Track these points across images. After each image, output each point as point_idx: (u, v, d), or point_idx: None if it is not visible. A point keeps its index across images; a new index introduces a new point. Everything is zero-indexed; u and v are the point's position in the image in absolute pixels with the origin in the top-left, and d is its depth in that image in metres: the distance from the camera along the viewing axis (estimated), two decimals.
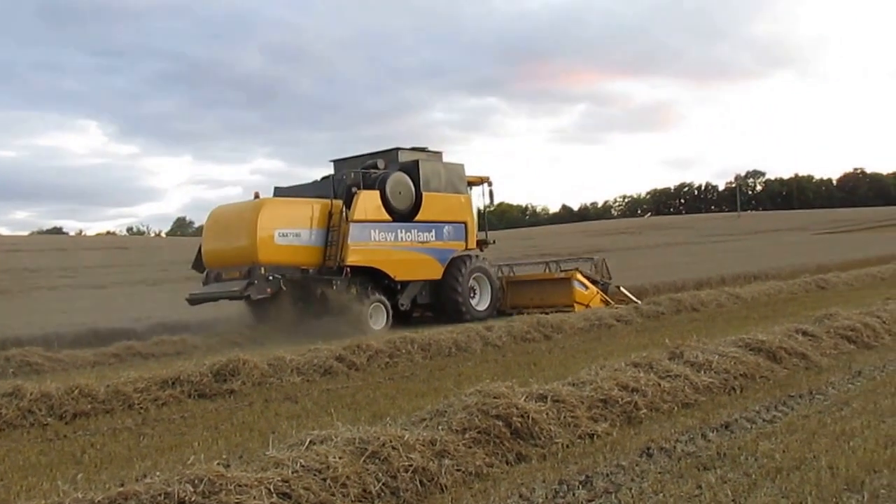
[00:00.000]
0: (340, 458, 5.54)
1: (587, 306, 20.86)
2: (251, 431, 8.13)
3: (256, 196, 19.55)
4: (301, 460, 5.44)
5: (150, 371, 11.25)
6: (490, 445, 6.37)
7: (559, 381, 8.09)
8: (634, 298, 22.21)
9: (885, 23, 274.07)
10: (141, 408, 9.75)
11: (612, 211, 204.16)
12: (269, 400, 10.12)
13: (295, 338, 15.95)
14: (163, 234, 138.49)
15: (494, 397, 6.85)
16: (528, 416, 6.73)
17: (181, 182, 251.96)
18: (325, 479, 5.33)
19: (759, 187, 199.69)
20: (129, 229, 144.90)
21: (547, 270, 23.70)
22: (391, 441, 5.85)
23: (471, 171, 22.82)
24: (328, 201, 19.31)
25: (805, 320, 12.30)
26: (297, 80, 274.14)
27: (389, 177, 20.20)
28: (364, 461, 5.61)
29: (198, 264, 19.93)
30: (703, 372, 8.91)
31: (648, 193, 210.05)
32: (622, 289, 22.99)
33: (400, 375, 11.67)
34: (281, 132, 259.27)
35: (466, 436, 6.35)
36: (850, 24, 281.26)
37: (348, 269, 18.94)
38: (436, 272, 20.96)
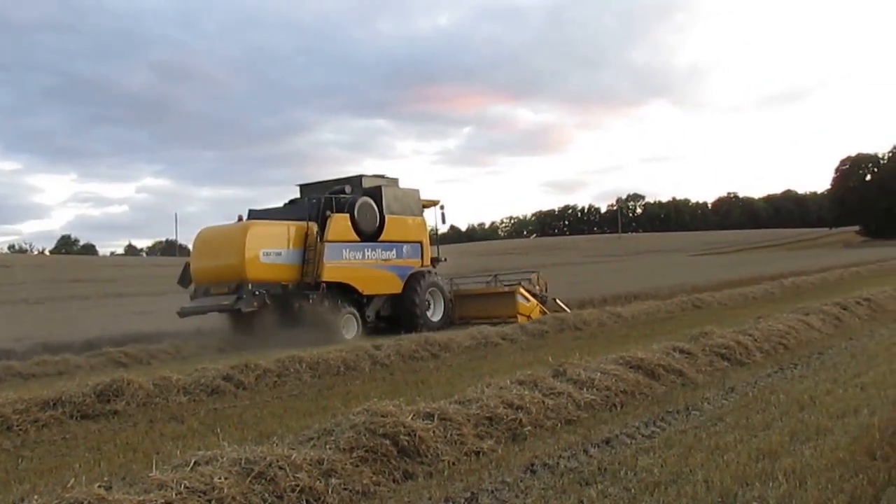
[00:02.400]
0: (226, 478, 5.50)
1: (529, 317, 22.48)
2: (135, 452, 7.97)
3: (240, 219, 21.91)
4: (185, 482, 5.38)
5: (31, 392, 10.94)
6: (377, 464, 6.41)
7: (446, 399, 8.18)
8: (567, 308, 24.35)
9: (756, 54, 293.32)
10: (20, 429, 9.45)
11: (499, 231, 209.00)
12: (153, 420, 9.94)
13: (275, 346, 17.04)
14: (47, 252, 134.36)
15: (382, 416, 6.90)
16: (415, 435, 6.79)
17: (66, 199, 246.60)
18: (209, 501, 5.28)
19: (639, 210, 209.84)
20: (12, 247, 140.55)
21: (493, 284, 25.59)
22: (278, 461, 5.83)
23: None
24: (304, 223, 21.20)
25: (682, 338, 12.56)
26: (186, 99, 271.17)
27: (357, 201, 22.12)
28: (250, 482, 5.58)
29: (183, 280, 21.73)
30: (585, 389, 9.12)
31: (534, 215, 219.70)
32: (558, 301, 25.00)
33: (288, 394, 11.60)
34: (169, 150, 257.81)
35: (354, 455, 6.38)
36: (723, 55, 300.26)
37: (324, 285, 20.83)
38: (397, 287, 22.98)
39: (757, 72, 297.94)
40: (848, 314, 17.51)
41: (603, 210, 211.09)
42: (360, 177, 23.56)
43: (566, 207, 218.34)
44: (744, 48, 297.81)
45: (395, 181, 24.25)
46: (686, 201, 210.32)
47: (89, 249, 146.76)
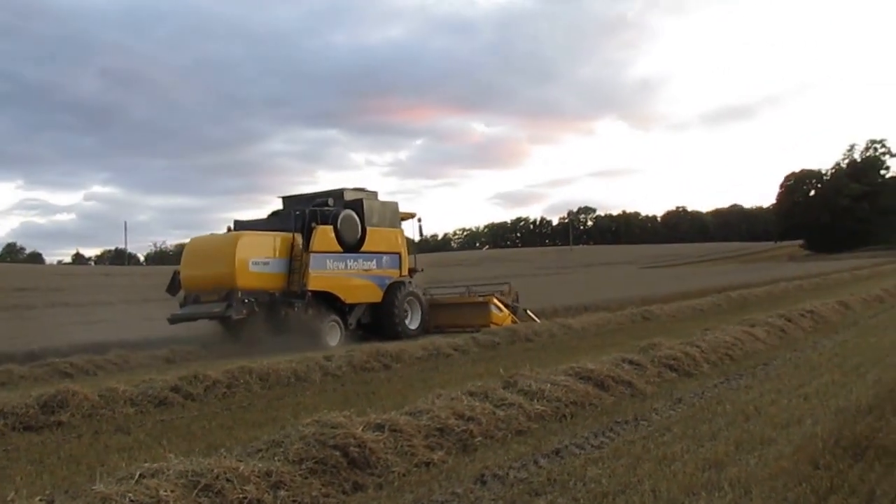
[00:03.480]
0: (172, 491, 5.44)
1: (501, 326, 23.16)
2: (78, 465, 7.84)
3: (230, 230, 23.09)
4: (130, 494, 5.30)
5: None
6: (327, 476, 6.37)
7: (397, 410, 8.16)
8: (537, 319, 25.08)
9: (704, 71, 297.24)
10: None
11: (452, 243, 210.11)
12: (99, 432, 9.78)
13: (263, 352, 17.56)
14: None
15: (332, 427, 6.86)
16: (366, 446, 6.77)
17: (11, 207, 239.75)
18: None
19: (590, 223, 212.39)
20: None
21: (467, 294, 26.68)
22: (225, 473, 5.77)
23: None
24: (290, 234, 22.08)
25: (631, 350, 12.63)
26: (136, 106, 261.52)
27: (340, 213, 22.97)
28: (197, 494, 5.52)
29: (172, 288, 22.53)
30: (535, 400, 9.15)
31: (486, 227, 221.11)
32: (528, 311, 25.91)
33: (237, 406, 11.48)
34: (118, 158, 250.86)
35: (303, 466, 6.34)
36: (672, 71, 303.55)
37: (309, 293, 21.67)
38: (377, 296, 23.86)
39: (705, 88, 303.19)
40: (792, 326, 17.79)
41: (555, 223, 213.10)
42: (341, 190, 24.34)
43: (518, 220, 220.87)
44: (692, 64, 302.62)
45: (374, 194, 25.11)
46: (636, 215, 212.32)
47: (36, 258, 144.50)
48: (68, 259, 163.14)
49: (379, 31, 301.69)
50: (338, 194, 24.16)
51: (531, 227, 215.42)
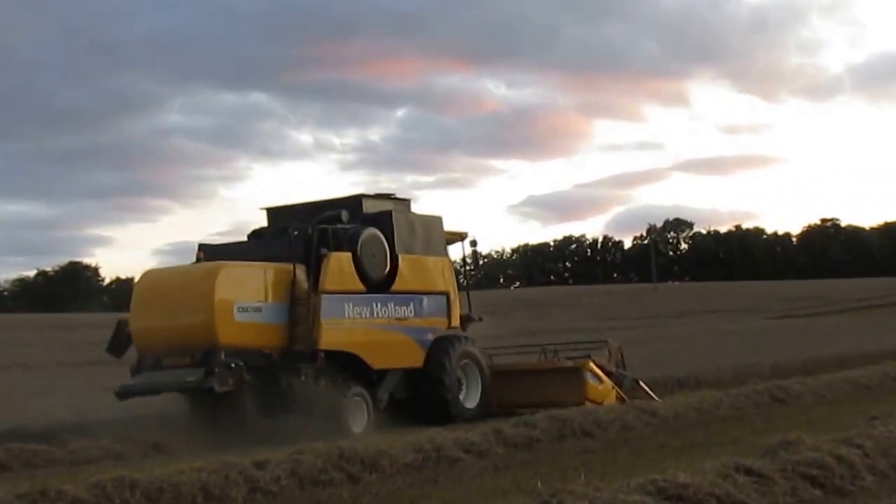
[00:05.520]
0: None
1: (600, 404, 17.94)
2: None
3: (200, 258, 17.06)
4: None
5: None
6: None
7: None
8: (654, 396, 19.40)
9: None
10: None
11: (460, 278, 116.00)
12: None
13: (254, 442, 13.90)
14: None
15: None
16: None
17: None
18: None
19: (683, 245, 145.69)
20: None
21: (543, 357, 20.44)
22: None
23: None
24: (288, 266, 16.53)
25: (751, 452, 9.41)
26: None
27: (362, 234, 17.31)
28: None
29: (117, 345, 17.45)
30: None
31: (515, 252, 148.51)
32: (641, 383, 19.93)
33: None
34: None
35: None
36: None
37: (322, 355, 16.32)
38: (417, 358, 18.00)
39: (868, 27, 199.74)
40: None
41: (626, 245, 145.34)
42: (358, 197, 18.66)
43: (567, 241, 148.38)
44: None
45: (406, 204, 19.47)
46: (758, 232, 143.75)
47: None
48: None
49: None
50: (353, 204, 18.45)
51: (587, 251, 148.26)
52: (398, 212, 18.43)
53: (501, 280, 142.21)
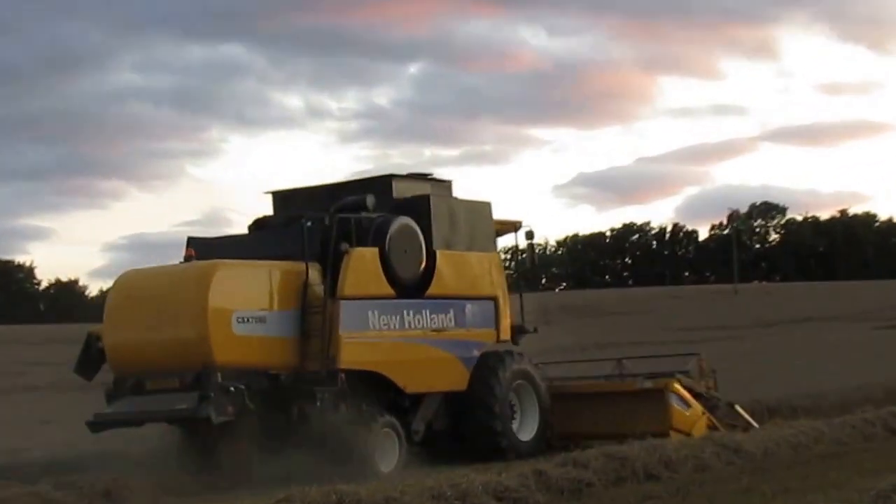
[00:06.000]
0: None
1: (688, 434, 15.81)
2: None
3: (191, 257, 14.51)
4: None
5: None
6: None
7: None
8: (753, 421, 17.15)
9: None
10: None
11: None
12: None
13: (257, 486, 12.34)
14: None
15: None
16: None
17: None
18: None
19: (773, 235, 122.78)
20: None
21: (615, 376, 17.93)
22: None
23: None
24: (300, 265, 14.28)
25: (858, 498, 8.28)
26: None
27: (392, 225, 15.00)
28: None
29: (87, 365, 15.09)
30: None
31: (562, 244, 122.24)
32: (738, 408, 17.60)
33: None
34: None
35: None
36: None
37: (342, 375, 14.09)
38: (459, 379, 15.65)
39: None
40: None
41: (701, 235, 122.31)
42: (387, 178, 16.24)
43: (627, 230, 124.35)
44: None
45: (446, 186, 16.94)
46: (869, 219, 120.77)
47: None
48: None
49: None
50: (381, 187, 15.86)
51: (652, 244, 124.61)
52: (437, 196, 15.98)
53: (544, 281, 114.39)
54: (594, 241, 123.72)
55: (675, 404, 16.16)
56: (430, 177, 16.80)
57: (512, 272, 18.31)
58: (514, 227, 17.56)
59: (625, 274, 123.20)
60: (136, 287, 14.82)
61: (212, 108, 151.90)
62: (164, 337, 13.89)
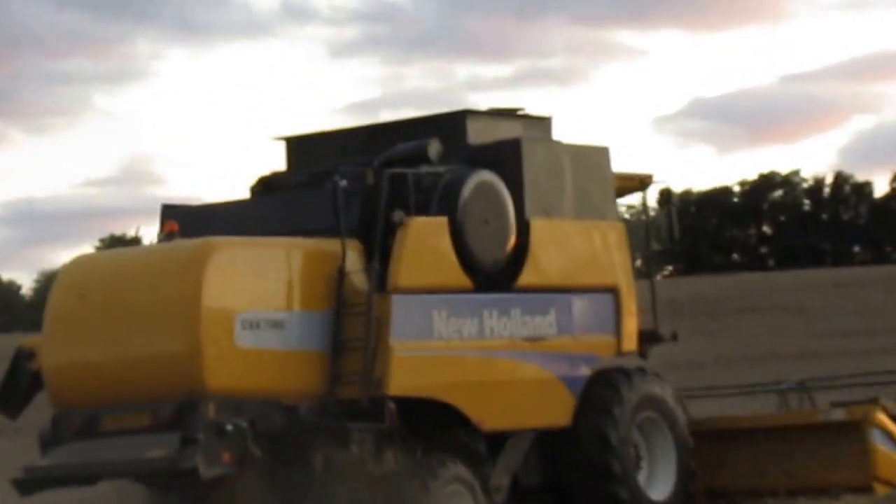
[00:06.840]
0: None
1: None
2: None
3: (172, 233, 10.77)
4: None
5: None
6: None
7: None
8: None
9: None
10: None
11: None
12: None
13: None
14: None
15: None
16: None
17: None
18: None
19: None
20: None
21: (785, 405, 14.19)
22: None
23: None
24: (332, 244, 10.38)
25: None
26: None
27: (467, 183, 11.10)
28: None
29: (13, 396, 11.32)
30: None
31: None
32: None
33: None
34: None
35: None
36: None
37: (392, 406, 10.29)
38: (561, 411, 11.65)
39: None
40: None
41: (878, 190, 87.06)
42: (460, 115, 12.01)
43: (764, 181, 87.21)
44: None
45: (544, 125, 12.66)
46: None
47: None
48: None
49: None
50: (449, 127, 11.76)
51: (803, 203, 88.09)
52: (532, 141, 11.80)
53: (639, 264, 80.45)
54: (716, 200, 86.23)
55: (880, 443, 12.25)
56: (520, 112, 12.32)
57: (639, 251, 13.75)
58: (640, 183, 13.11)
59: (762, 250, 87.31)
60: (91, 280, 10.75)
61: (139, 9, 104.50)
62: (132, 352, 10.01)
